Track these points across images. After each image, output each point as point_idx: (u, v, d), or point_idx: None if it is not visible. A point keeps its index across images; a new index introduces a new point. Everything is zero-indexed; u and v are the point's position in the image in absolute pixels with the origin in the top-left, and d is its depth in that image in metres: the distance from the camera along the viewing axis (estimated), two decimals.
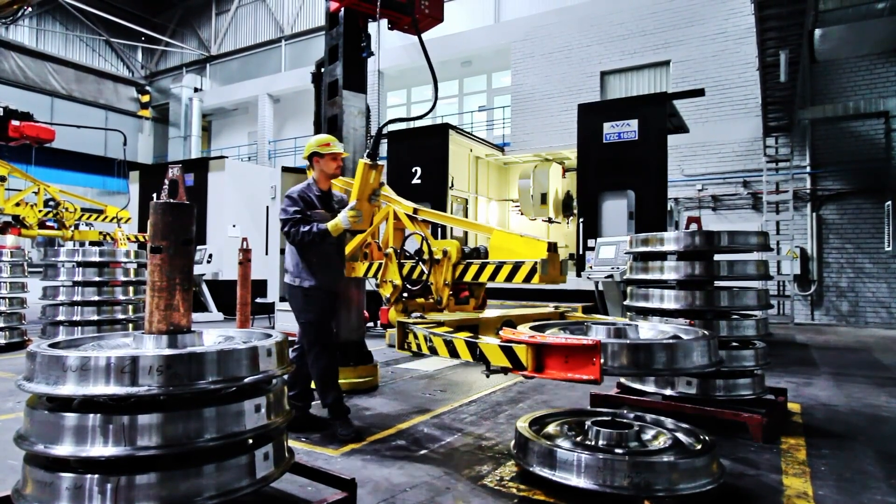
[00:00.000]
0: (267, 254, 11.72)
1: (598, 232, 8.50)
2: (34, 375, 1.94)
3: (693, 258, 4.01)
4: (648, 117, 8.48)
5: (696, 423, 3.28)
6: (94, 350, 2.11)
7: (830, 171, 11.73)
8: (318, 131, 5.78)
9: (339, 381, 4.93)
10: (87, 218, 11.87)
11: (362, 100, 5.51)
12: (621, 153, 8.58)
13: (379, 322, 9.48)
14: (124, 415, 1.87)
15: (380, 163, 4.15)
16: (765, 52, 9.44)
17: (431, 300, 3.86)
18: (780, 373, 5.99)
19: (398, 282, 3.94)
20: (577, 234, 8.86)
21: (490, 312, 4.13)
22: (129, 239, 11.53)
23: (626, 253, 4.72)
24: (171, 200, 2.34)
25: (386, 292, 4.03)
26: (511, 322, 3.60)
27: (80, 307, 6.12)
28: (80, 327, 6.05)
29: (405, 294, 3.91)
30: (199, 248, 11.35)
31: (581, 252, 8.63)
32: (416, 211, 4.11)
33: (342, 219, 3.76)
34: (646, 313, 4.18)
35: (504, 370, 2.75)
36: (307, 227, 3.75)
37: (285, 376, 2.31)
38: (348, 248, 4.48)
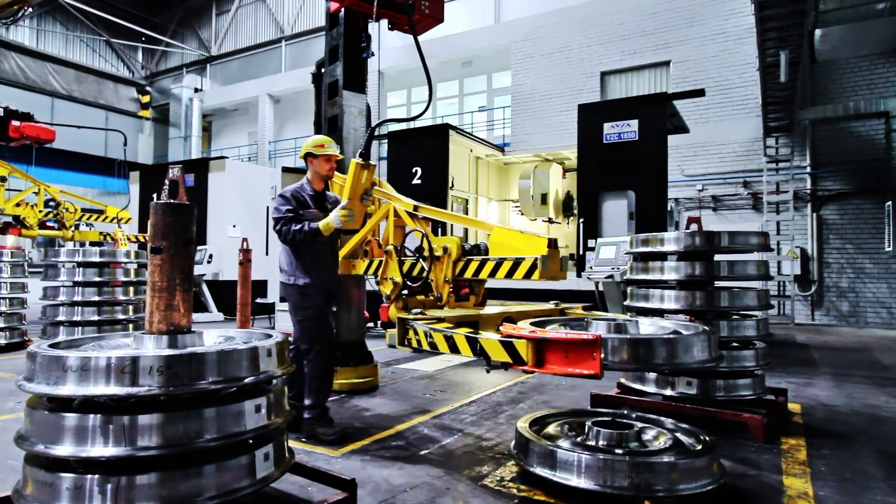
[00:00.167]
0: (267, 254, 11.74)
1: (598, 232, 8.50)
2: (34, 376, 1.94)
3: (693, 258, 4.01)
4: (649, 117, 8.48)
5: (697, 423, 3.28)
6: (95, 350, 2.11)
7: (831, 172, 11.72)
8: (318, 132, 5.78)
9: (340, 381, 4.98)
10: (88, 218, 11.87)
11: (362, 100, 5.51)
12: (621, 153, 8.58)
13: (379, 322, 9.48)
14: (124, 415, 1.87)
15: (372, 163, 4.16)
16: (765, 52, 9.44)
17: (432, 297, 3.86)
18: (780, 373, 5.99)
19: (398, 279, 3.93)
20: (577, 234, 8.86)
21: (490, 309, 4.13)
22: (129, 239, 11.54)
23: (626, 253, 4.72)
24: (172, 201, 2.34)
25: (386, 289, 4.03)
26: (511, 318, 3.60)
27: (80, 307, 6.13)
28: (80, 327, 6.06)
29: (405, 291, 3.91)
30: (199, 248, 11.35)
31: (581, 252, 8.64)
32: (416, 208, 4.11)
33: (333, 218, 3.76)
34: (646, 313, 4.18)
35: (504, 365, 2.75)
36: (298, 226, 3.76)
37: (285, 377, 2.31)
38: (348, 246, 4.48)
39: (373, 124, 4.96)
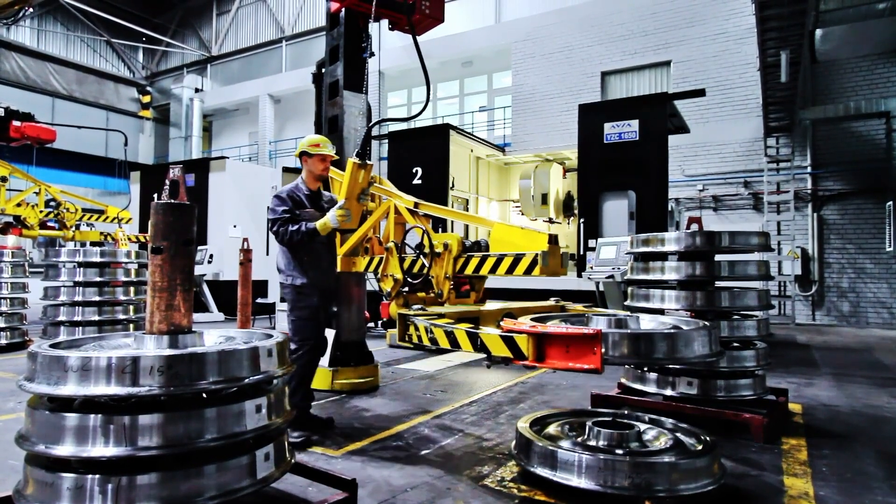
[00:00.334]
0: (268, 254, 11.75)
1: (598, 232, 8.50)
2: (35, 376, 1.94)
3: (694, 258, 4.01)
4: (649, 117, 8.48)
5: (697, 423, 3.28)
6: (95, 350, 2.11)
7: (831, 172, 11.72)
8: (318, 132, 5.78)
9: (341, 381, 4.98)
10: (88, 218, 11.87)
11: (363, 100, 5.51)
12: (622, 153, 8.57)
13: (380, 322, 9.48)
14: (125, 415, 1.87)
15: (369, 162, 4.15)
16: (766, 52, 9.44)
17: (432, 294, 3.85)
18: (781, 373, 5.99)
19: (399, 276, 3.93)
20: (577, 234, 8.86)
21: (491, 305, 4.13)
22: (129, 239, 11.53)
23: (626, 253, 4.73)
24: (172, 201, 2.34)
25: (387, 286, 4.03)
26: (512, 314, 3.59)
27: (81, 307, 6.13)
28: (81, 328, 6.06)
29: (405, 288, 3.91)
30: (199, 248, 11.36)
31: (582, 252, 8.63)
32: (416, 205, 4.11)
33: (331, 218, 3.76)
34: (647, 314, 4.18)
35: (505, 360, 2.75)
36: (295, 227, 3.75)
37: (286, 377, 2.31)
38: (349, 244, 4.48)
39: (369, 124, 4.96)
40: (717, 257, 4.07)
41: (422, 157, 10.34)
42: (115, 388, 1.85)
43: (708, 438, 2.90)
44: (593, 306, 7.82)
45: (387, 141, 11.79)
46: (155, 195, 12.93)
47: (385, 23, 5.80)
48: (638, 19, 13.75)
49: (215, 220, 12.55)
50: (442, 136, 10.45)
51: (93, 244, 10.99)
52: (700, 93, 9.00)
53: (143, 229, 13.10)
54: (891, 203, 10.74)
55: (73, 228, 11.16)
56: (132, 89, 25.39)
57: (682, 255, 4.06)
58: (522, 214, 12.04)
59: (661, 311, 4.06)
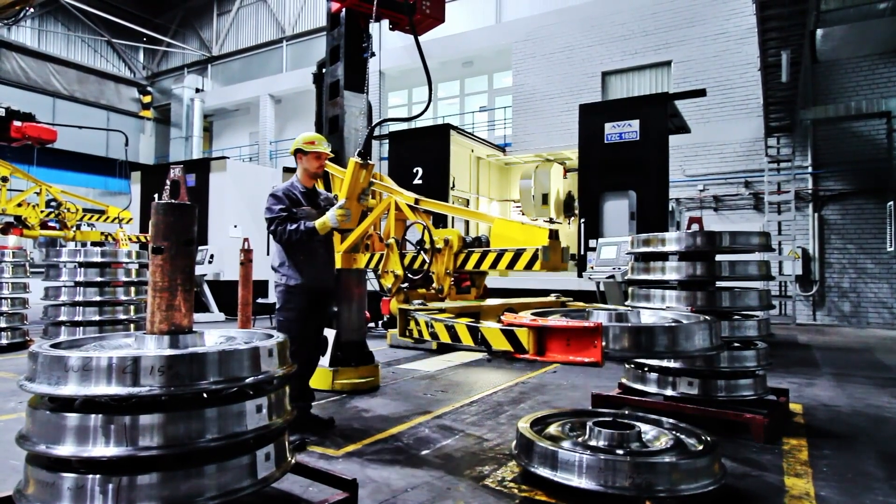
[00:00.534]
0: (268, 254, 11.69)
1: (599, 232, 8.50)
2: (36, 376, 1.94)
3: (695, 258, 4.01)
4: (650, 117, 8.48)
5: (698, 423, 3.28)
6: (96, 350, 2.11)
7: (832, 172, 11.71)
8: (319, 132, 5.78)
9: (341, 381, 4.97)
10: (89, 218, 11.89)
11: (363, 100, 5.51)
12: (623, 153, 8.57)
13: (380, 322, 9.48)
14: (126, 415, 1.87)
15: (370, 162, 4.14)
16: (766, 52, 9.43)
17: (433, 290, 3.85)
18: (781, 373, 5.99)
19: (399, 272, 3.93)
20: (578, 234, 8.86)
21: (491, 301, 4.13)
22: (130, 239, 11.56)
23: (627, 253, 4.72)
24: (173, 201, 2.34)
25: (387, 283, 4.03)
26: (512, 310, 3.59)
27: (81, 307, 6.13)
28: (81, 328, 6.06)
29: (405, 285, 3.91)
30: (200, 248, 11.36)
31: (582, 252, 8.63)
32: (417, 201, 4.10)
33: (330, 217, 3.72)
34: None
35: (505, 354, 2.74)
36: (294, 226, 3.71)
37: (287, 377, 2.31)
38: (349, 240, 4.47)
39: (372, 124, 4.95)
40: (718, 257, 4.06)
41: (422, 157, 10.34)
42: (115, 388, 1.85)
43: (708, 438, 2.90)
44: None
45: (387, 141, 11.80)
46: (156, 195, 12.95)
47: (385, 23, 5.80)
48: (638, 19, 13.75)
49: (216, 221, 12.56)
50: (443, 136, 10.46)
51: (93, 244, 11.00)
52: (701, 93, 9.00)
53: (143, 229, 13.11)
54: (891, 203, 10.73)
55: (74, 228, 11.18)
56: (133, 89, 25.40)
57: (682, 255, 4.06)
58: (523, 214, 12.04)
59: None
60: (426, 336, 3.16)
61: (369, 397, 4.87)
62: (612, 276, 7.11)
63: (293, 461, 2.34)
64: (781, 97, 10.78)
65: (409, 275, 3.86)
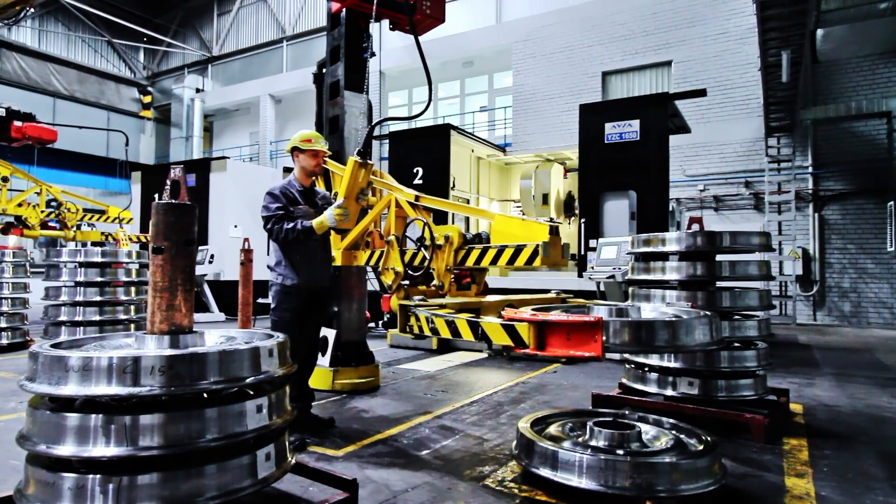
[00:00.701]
0: (268, 254, 11.72)
1: (599, 232, 8.50)
2: (36, 376, 1.94)
3: (695, 258, 4.01)
4: (650, 117, 8.48)
5: (698, 423, 3.28)
6: (96, 350, 2.11)
7: (832, 172, 11.71)
8: (319, 132, 5.78)
9: (341, 381, 4.97)
10: (89, 218, 11.90)
11: (364, 100, 5.51)
12: (623, 153, 8.57)
13: (380, 322, 9.48)
14: (126, 415, 1.87)
15: (370, 162, 4.13)
16: (767, 52, 9.43)
17: (433, 287, 3.85)
18: (782, 373, 5.99)
19: (400, 269, 3.92)
20: (578, 234, 8.86)
21: (492, 297, 4.12)
22: (130, 239, 11.56)
23: (627, 253, 4.73)
24: (173, 201, 2.34)
25: (388, 279, 4.02)
26: (513, 305, 3.59)
27: (82, 307, 6.13)
28: (82, 328, 6.06)
29: (405, 282, 3.91)
30: (200, 248, 11.37)
31: (583, 252, 8.63)
32: (417, 198, 4.10)
33: (328, 217, 3.67)
34: None
35: (506, 349, 2.75)
36: (291, 225, 3.67)
37: (287, 376, 2.31)
38: (350, 238, 4.47)
39: (372, 123, 4.95)
40: (718, 257, 4.06)
41: (423, 157, 10.34)
42: (116, 388, 1.85)
43: (709, 438, 2.90)
44: None
45: (388, 141, 11.79)
46: (156, 195, 12.95)
47: (386, 23, 5.80)
48: (639, 19, 13.74)
49: (216, 221, 12.56)
50: (443, 136, 10.45)
51: (94, 244, 10.99)
52: (701, 93, 9.00)
53: (144, 229, 13.11)
54: (892, 203, 10.73)
55: (75, 228, 11.18)
56: (133, 89, 25.41)
57: (683, 255, 4.06)
58: (523, 214, 12.04)
59: None
60: (426, 331, 3.15)
61: (369, 397, 4.87)
62: (613, 276, 7.11)
63: (293, 461, 2.34)
64: (782, 97, 10.78)
65: (409, 271, 3.85)
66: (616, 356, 6.63)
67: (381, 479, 2.98)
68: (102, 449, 1.85)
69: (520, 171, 12.38)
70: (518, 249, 3.26)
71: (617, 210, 8.56)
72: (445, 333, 3.04)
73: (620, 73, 14.10)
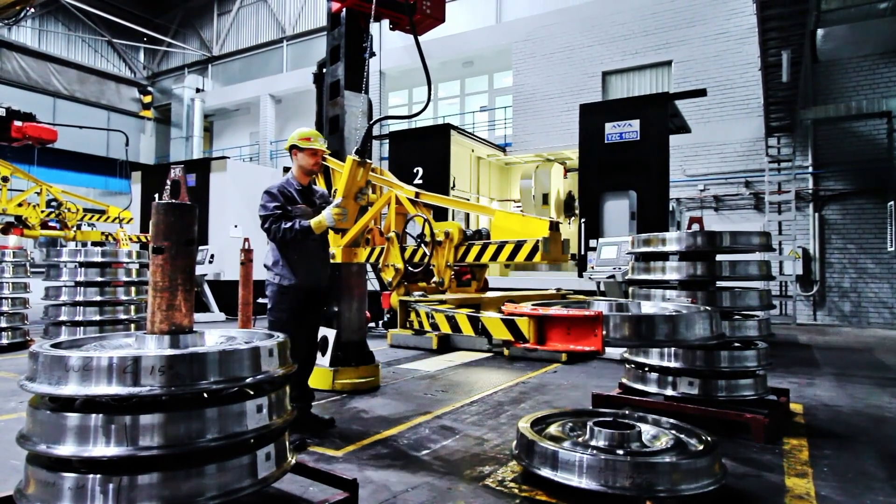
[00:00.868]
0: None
1: (599, 232, 8.50)
2: (36, 375, 1.94)
3: (695, 258, 4.01)
4: (650, 117, 8.48)
5: (698, 423, 3.27)
6: (97, 350, 2.11)
7: (833, 172, 11.71)
8: (319, 132, 5.78)
9: (342, 381, 4.97)
10: (90, 218, 11.89)
11: (364, 100, 5.51)
12: (623, 153, 8.57)
13: (380, 322, 9.48)
14: (126, 415, 1.87)
15: (368, 161, 4.11)
16: (767, 52, 9.43)
17: (433, 283, 3.84)
18: (782, 373, 5.99)
19: (400, 266, 3.91)
20: (578, 234, 8.86)
21: (492, 293, 4.12)
22: (131, 239, 11.56)
23: (627, 253, 4.73)
24: (173, 201, 2.34)
25: (388, 276, 4.02)
26: (513, 301, 3.59)
27: (82, 307, 6.13)
28: (82, 327, 6.07)
29: (405, 281, 3.90)
30: (200, 248, 11.37)
31: (583, 252, 8.63)
32: (417, 195, 4.10)
33: (326, 216, 3.65)
34: None
35: (506, 343, 2.76)
36: (289, 224, 3.63)
37: (287, 376, 2.31)
38: (350, 235, 4.46)
39: (370, 122, 4.94)
40: (719, 257, 4.07)
41: (423, 156, 10.34)
42: (116, 388, 1.85)
43: (709, 438, 2.90)
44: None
45: (388, 141, 11.80)
46: (156, 195, 12.96)
47: (386, 23, 5.80)
48: (639, 19, 13.74)
49: (216, 220, 12.56)
50: (443, 136, 10.46)
51: (94, 244, 10.99)
52: (701, 93, 9.00)
53: (144, 229, 13.11)
54: (892, 203, 10.73)
55: (75, 228, 11.18)
56: (133, 89, 25.41)
57: (683, 255, 4.06)
58: (524, 214, 12.04)
59: None
60: (426, 327, 3.15)
61: (370, 397, 4.87)
62: (613, 276, 7.11)
63: (293, 461, 2.34)
64: (782, 97, 10.78)
65: (409, 268, 3.84)
66: (616, 356, 6.63)
67: (381, 479, 2.98)
68: (102, 449, 1.85)
69: (520, 171, 12.38)
70: (518, 245, 3.26)
71: (617, 210, 8.57)
72: (445, 328, 3.04)
73: (620, 72, 14.10)
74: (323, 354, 5.06)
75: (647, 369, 4.11)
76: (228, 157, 13.60)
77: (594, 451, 2.74)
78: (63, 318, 6.13)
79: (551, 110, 14.66)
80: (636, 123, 8.51)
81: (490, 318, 2.78)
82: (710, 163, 12.71)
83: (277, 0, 21.69)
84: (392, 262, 4.01)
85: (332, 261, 4.42)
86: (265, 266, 3.86)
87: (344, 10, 5.45)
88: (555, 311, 2.62)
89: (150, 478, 1.87)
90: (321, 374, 4.98)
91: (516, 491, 2.83)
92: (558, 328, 2.54)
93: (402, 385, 5.39)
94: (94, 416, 1.87)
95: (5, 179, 10.20)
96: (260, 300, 9.88)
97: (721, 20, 12.79)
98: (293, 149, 3.85)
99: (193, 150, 22.64)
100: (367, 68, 5.48)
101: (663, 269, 4.09)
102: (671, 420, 3.22)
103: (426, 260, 3.73)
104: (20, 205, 10.48)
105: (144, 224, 13.29)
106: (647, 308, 3.17)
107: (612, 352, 6.74)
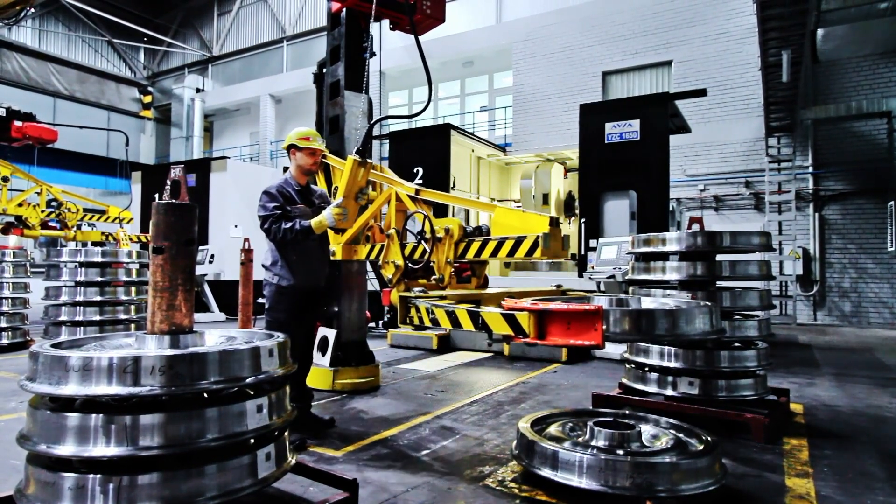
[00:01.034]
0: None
1: (599, 232, 8.50)
2: (37, 375, 1.94)
3: (695, 258, 4.01)
4: (650, 117, 8.48)
5: (698, 423, 3.28)
6: (97, 350, 2.11)
7: (833, 172, 11.71)
8: (320, 132, 5.78)
9: (342, 381, 4.97)
10: (90, 218, 11.89)
11: (364, 100, 5.51)
12: (623, 153, 8.57)
13: (380, 323, 9.48)
14: (126, 415, 1.87)
15: (369, 160, 4.11)
16: (767, 52, 9.43)
17: (433, 280, 3.84)
18: (782, 373, 5.98)
19: (400, 262, 3.91)
20: (578, 234, 8.86)
21: (492, 289, 4.12)
22: (131, 239, 11.56)
23: (628, 253, 4.73)
24: (174, 201, 2.34)
25: (388, 273, 4.02)
26: (513, 296, 3.59)
27: (82, 307, 6.13)
28: (82, 327, 6.06)
29: (406, 278, 3.90)
30: (201, 248, 11.37)
31: (583, 252, 8.63)
32: (417, 192, 4.10)
33: (327, 216, 3.63)
34: None
35: (506, 338, 2.76)
36: (289, 225, 3.61)
37: (287, 376, 2.31)
38: (350, 232, 4.46)
39: (371, 122, 4.94)
40: (719, 257, 4.06)
41: (423, 156, 10.34)
42: (116, 388, 1.85)
43: (709, 438, 2.90)
44: None
45: (388, 141, 11.79)
46: (156, 195, 12.95)
47: (386, 23, 5.80)
48: (639, 19, 13.74)
49: (216, 220, 12.56)
50: (443, 136, 10.46)
51: (94, 244, 11.00)
52: (701, 93, 9.00)
53: (144, 229, 13.11)
54: (892, 203, 10.72)
55: (75, 228, 11.18)
56: (133, 89, 25.40)
57: (683, 255, 4.06)
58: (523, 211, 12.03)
59: None
60: (427, 322, 3.14)
61: (370, 397, 4.87)
62: (613, 276, 7.11)
63: (293, 461, 2.34)
64: (782, 97, 10.78)
65: (409, 264, 3.84)
66: (616, 356, 6.63)
67: (382, 478, 2.98)
68: (103, 449, 1.85)
69: (520, 171, 12.38)
70: (518, 241, 3.26)
71: (617, 210, 8.56)
72: (445, 323, 3.03)
73: (620, 72, 14.10)
74: (323, 354, 5.05)
75: (647, 369, 4.11)
76: (228, 157, 13.60)
77: (594, 451, 2.74)
78: (63, 318, 6.12)
79: (551, 110, 14.66)
80: (636, 123, 8.51)
81: (490, 312, 2.78)
82: (710, 163, 12.70)
83: (277, 0, 21.69)
84: (392, 259, 4.01)
85: (332, 258, 4.41)
86: (263, 266, 3.85)
87: (344, 10, 5.45)
88: (555, 305, 2.62)
89: (150, 478, 1.87)
90: (321, 374, 4.98)
91: (516, 491, 2.83)
92: (558, 323, 2.53)
93: (402, 385, 5.39)
94: (94, 416, 1.87)
95: (5, 179, 10.20)
96: (260, 300, 9.89)
97: (721, 20, 12.79)
98: (292, 148, 3.83)
99: (193, 150, 22.64)
100: (368, 68, 5.49)
101: (663, 269, 4.08)
102: (671, 420, 3.22)
103: (426, 256, 3.73)
104: (20, 205, 10.48)
105: (144, 224, 13.29)
106: (647, 303, 3.17)
107: (613, 352, 6.74)
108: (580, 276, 8.60)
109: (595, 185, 8.83)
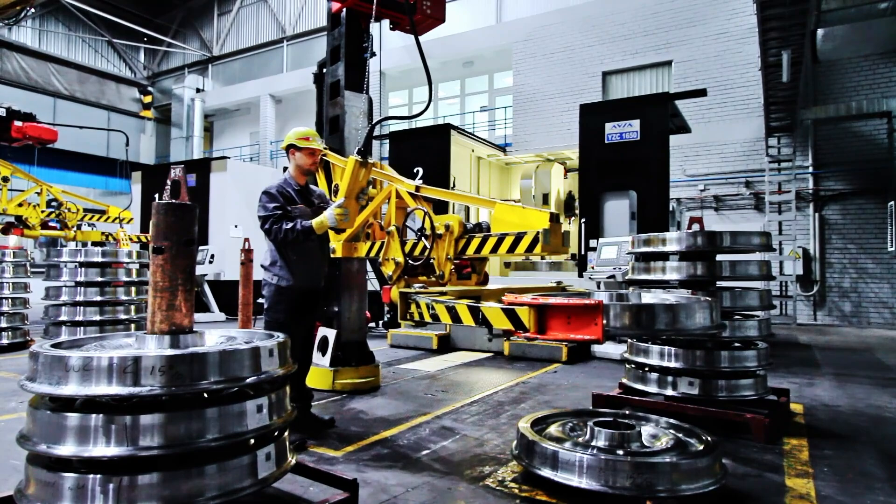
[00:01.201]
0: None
1: (599, 232, 8.50)
2: (37, 375, 1.94)
3: (695, 258, 4.01)
4: (650, 117, 8.48)
5: (699, 423, 3.28)
6: (97, 350, 2.11)
7: (833, 172, 11.70)
8: (320, 132, 5.78)
9: (342, 381, 4.97)
10: (90, 218, 11.89)
11: (364, 100, 5.51)
12: (623, 153, 8.57)
13: (380, 323, 9.48)
14: (126, 415, 1.87)
15: (370, 161, 4.11)
16: (767, 52, 9.43)
17: (434, 277, 3.84)
18: (782, 373, 5.98)
19: (401, 259, 3.91)
20: (578, 234, 8.86)
21: (492, 286, 4.11)
22: (131, 239, 11.56)
23: (628, 253, 4.73)
24: (174, 201, 2.34)
25: (388, 269, 4.02)
26: (513, 292, 3.58)
27: (82, 307, 6.13)
28: (82, 327, 6.06)
29: (406, 275, 3.90)
30: (201, 248, 11.37)
31: (583, 252, 8.63)
32: (418, 189, 4.10)
33: (328, 217, 3.61)
34: None
35: (506, 333, 2.76)
36: (290, 225, 3.60)
37: (287, 376, 2.31)
38: (350, 231, 4.46)
39: (372, 121, 4.94)
40: (719, 257, 4.06)
41: (423, 156, 10.34)
42: (116, 388, 1.85)
43: (709, 438, 2.90)
44: None
45: (388, 141, 11.79)
46: (156, 195, 12.95)
47: (386, 23, 5.80)
48: (639, 19, 13.74)
49: (216, 221, 12.56)
50: (443, 136, 10.46)
51: (94, 244, 11.00)
52: (701, 93, 8.99)
53: (144, 229, 13.11)
54: (892, 203, 10.72)
55: (75, 228, 11.17)
56: (133, 89, 25.41)
57: (683, 255, 4.06)
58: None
59: None
60: (427, 318, 3.14)
61: (370, 397, 4.87)
62: (613, 276, 7.11)
63: (293, 461, 2.34)
64: (782, 97, 10.78)
65: (409, 261, 3.84)
66: (616, 356, 6.63)
67: (382, 479, 2.98)
68: (103, 449, 1.85)
69: (520, 171, 12.38)
70: (518, 237, 3.26)
71: (617, 210, 8.56)
72: (446, 319, 3.03)
73: (620, 73, 14.10)
74: (323, 354, 5.05)
75: (647, 369, 4.11)
76: (228, 157, 13.60)
77: (594, 452, 2.74)
78: (63, 318, 6.12)
79: (551, 110, 14.66)
80: (636, 123, 8.51)
81: (490, 307, 2.78)
82: (710, 163, 12.70)
83: (277, 0, 21.69)
84: (392, 256, 4.01)
85: (332, 255, 4.40)
86: (263, 266, 3.84)
87: (344, 10, 5.45)
88: (555, 300, 2.61)
89: (151, 478, 1.87)
90: (321, 374, 4.98)
91: (516, 491, 2.83)
92: (558, 317, 2.53)
93: (402, 385, 5.39)
94: (94, 416, 1.87)
95: (5, 179, 10.20)
96: (260, 300, 9.89)
97: (721, 20, 12.79)
98: (291, 148, 3.82)
99: (193, 150, 22.65)
100: (368, 68, 5.48)
101: (663, 269, 4.08)
102: (671, 420, 3.22)
103: (427, 253, 3.73)
104: (20, 205, 10.48)
105: (144, 224, 13.29)
106: (647, 299, 3.17)
107: (613, 352, 6.74)
108: (580, 276, 8.60)
109: (595, 185, 8.83)
